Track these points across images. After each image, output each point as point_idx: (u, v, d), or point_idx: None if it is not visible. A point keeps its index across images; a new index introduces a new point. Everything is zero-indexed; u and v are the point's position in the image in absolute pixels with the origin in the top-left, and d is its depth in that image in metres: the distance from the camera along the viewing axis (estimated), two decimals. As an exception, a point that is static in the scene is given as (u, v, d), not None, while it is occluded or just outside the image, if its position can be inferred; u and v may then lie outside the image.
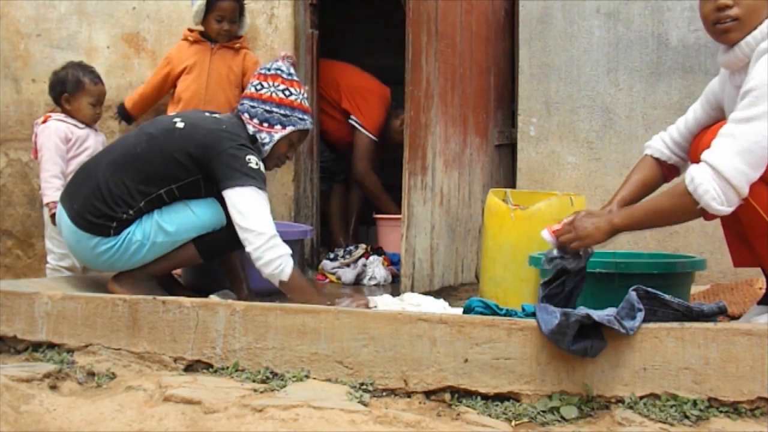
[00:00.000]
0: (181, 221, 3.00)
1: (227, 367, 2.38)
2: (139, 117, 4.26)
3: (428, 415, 2.06)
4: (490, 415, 2.07)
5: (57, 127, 3.80)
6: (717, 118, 2.49)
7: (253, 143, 3.10)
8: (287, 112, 3.16)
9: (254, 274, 3.35)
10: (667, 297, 2.18)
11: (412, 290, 3.50)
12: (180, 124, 3.05)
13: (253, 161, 2.98)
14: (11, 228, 4.50)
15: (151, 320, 2.49)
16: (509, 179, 4.34)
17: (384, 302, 3.06)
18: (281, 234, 3.45)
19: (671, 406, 2.03)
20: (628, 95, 3.94)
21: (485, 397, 2.15)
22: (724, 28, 2.33)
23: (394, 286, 4.02)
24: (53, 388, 2.28)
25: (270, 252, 2.89)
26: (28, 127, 4.29)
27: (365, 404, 2.10)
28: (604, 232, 2.30)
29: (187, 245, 3.03)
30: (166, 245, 3.01)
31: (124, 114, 4.25)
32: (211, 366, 2.41)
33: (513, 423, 2.03)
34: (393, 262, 4.26)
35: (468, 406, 2.12)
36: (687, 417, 2.00)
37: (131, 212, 2.98)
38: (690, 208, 2.19)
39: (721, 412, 2.02)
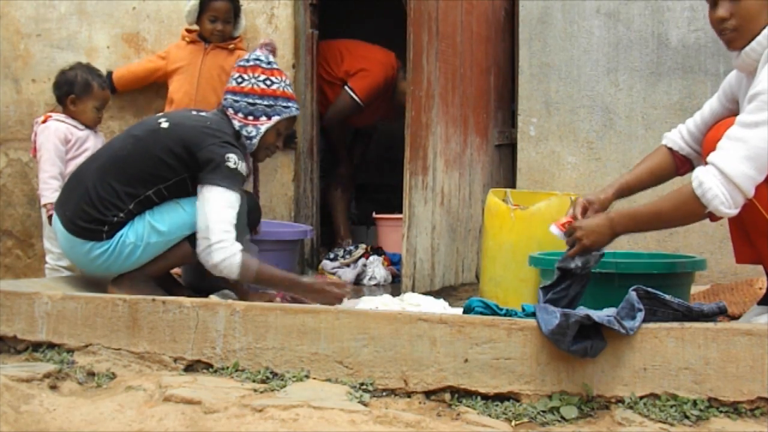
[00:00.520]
0: (173, 220, 2.99)
1: (227, 367, 2.38)
2: (122, 92, 4.25)
3: (428, 415, 2.06)
4: (490, 415, 2.07)
5: (57, 128, 3.80)
6: (734, 111, 2.48)
7: (237, 139, 3.09)
8: (271, 102, 3.15)
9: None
10: (667, 297, 2.18)
11: (413, 290, 3.50)
12: (165, 124, 3.05)
13: (232, 160, 2.96)
14: (11, 228, 4.50)
15: (151, 320, 2.49)
16: (509, 179, 4.34)
17: (384, 302, 3.06)
18: (282, 234, 3.46)
19: (671, 406, 2.03)
20: (628, 95, 3.94)
21: (485, 397, 2.15)
22: (726, 39, 2.38)
23: (394, 286, 4.02)
24: (53, 388, 2.28)
25: (211, 255, 2.88)
26: (28, 127, 4.28)
27: (365, 404, 2.10)
28: (607, 237, 2.33)
29: (182, 243, 3.02)
30: (160, 245, 3.00)
31: (110, 84, 4.20)
32: (211, 366, 2.41)
33: (513, 423, 2.03)
34: (393, 262, 4.26)
35: (468, 406, 2.12)
36: (687, 417, 2.00)
37: (122, 215, 2.97)
38: (697, 212, 2.20)
39: (721, 412, 2.02)
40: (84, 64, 3.99)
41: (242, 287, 3.23)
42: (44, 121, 3.84)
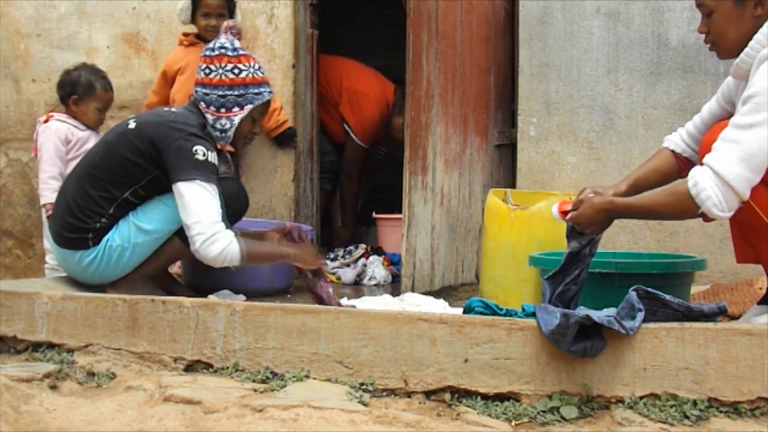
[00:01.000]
0: (157, 217, 2.99)
1: (227, 367, 2.38)
2: None
3: (428, 415, 2.06)
4: (490, 415, 2.07)
5: (57, 128, 3.81)
6: (732, 113, 2.50)
7: (203, 129, 3.05)
8: (241, 92, 3.09)
9: (253, 274, 3.36)
10: (667, 297, 2.18)
11: (413, 290, 3.50)
12: (132, 125, 3.03)
13: (200, 152, 2.92)
14: (11, 228, 4.50)
15: (150, 320, 2.49)
16: (509, 179, 4.34)
17: (384, 302, 3.06)
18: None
19: (671, 406, 2.03)
20: (628, 95, 3.94)
21: (485, 397, 2.15)
22: (711, 50, 2.49)
23: (394, 286, 4.02)
24: (53, 388, 2.28)
25: (210, 249, 2.85)
26: (28, 127, 4.29)
27: (365, 404, 2.10)
28: (601, 213, 2.35)
29: (172, 239, 3.01)
30: (148, 244, 3.00)
31: None
32: (211, 366, 2.41)
33: (513, 423, 2.03)
34: (393, 262, 4.26)
35: (468, 406, 2.12)
36: (687, 417, 2.00)
37: (104, 220, 2.97)
38: (690, 210, 2.22)
39: (721, 412, 2.02)
40: (89, 65, 3.99)
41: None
42: (46, 121, 3.84)
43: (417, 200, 3.61)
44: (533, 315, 2.17)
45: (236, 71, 3.10)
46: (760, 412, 2.01)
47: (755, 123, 2.18)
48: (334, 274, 4.20)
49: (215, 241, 2.85)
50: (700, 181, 2.18)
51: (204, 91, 3.10)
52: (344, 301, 3.11)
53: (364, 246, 4.43)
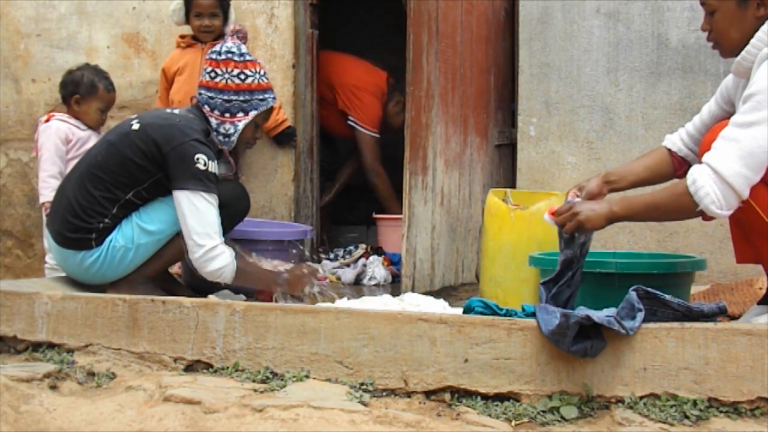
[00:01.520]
0: (160, 218, 2.99)
1: (227, 367, 2.38)
2: None
3: (428, 415, 2.06)
4: (490, 415, 2.07)
5: (58, 128, 3.81)
6: (731, 113, 2.50)
7: (206, 136, 3.04)
8: (247, 97, 3.08)
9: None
10: (667, 297, 2.18)
11: (413, 290, 3.50)
12: (135, 126, 3.01)
13: (202, 161, 2.91)
14: (11, 228, 4.50)
15: (150, 320, 2.49)
16: (509, 179, 4.34)
17: (384, 302, 3.06)
18: (281, 234, 3.45)
19: (671, 406, 2.03)
20: (628, 95, 3.94)
21: (485, 397, 2.15)
22: (714, 48, 2.49)
23: (394, 286, 4.02)
24: (53, 388, 2.28)
25: (208, 264, 2.89)
26: (28, 127, 4.29)
27: (365, 404, 2.10)
28: (603, 218, 2.32)
29: (174, 240, 3.01)
30: (151, 245, 3.00)
31: None
32: (211, 366, 2.41)
33: (513, 423, 2.03)
34: (393, 262, 4.26)
35: (468, 406, 2.12)
36: (687, 417, 2.00)
37: (107, 220, 2.97)
38: (689, 208, 2.22)
39: (721, 412, 2.02)
40: (92, 65, 4.00)
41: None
42: (47, 121, 3.85)
43: (417, 200, 3.61)
44: (533, 315, 2.17)
45: (242, 77, 3.09)
46: (760, 412, 2.01)
47: (755, 121, 2.18)
48: (334, 274, 4.20)
49: (215, 257, 2.89)
50: (698, 179, 2.18)
51: (209, 94, 3.09)
52: (344, 300, 3.11)
53: (364, 246, 4.43)
